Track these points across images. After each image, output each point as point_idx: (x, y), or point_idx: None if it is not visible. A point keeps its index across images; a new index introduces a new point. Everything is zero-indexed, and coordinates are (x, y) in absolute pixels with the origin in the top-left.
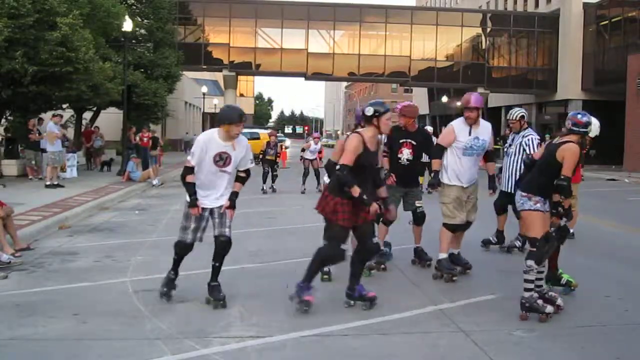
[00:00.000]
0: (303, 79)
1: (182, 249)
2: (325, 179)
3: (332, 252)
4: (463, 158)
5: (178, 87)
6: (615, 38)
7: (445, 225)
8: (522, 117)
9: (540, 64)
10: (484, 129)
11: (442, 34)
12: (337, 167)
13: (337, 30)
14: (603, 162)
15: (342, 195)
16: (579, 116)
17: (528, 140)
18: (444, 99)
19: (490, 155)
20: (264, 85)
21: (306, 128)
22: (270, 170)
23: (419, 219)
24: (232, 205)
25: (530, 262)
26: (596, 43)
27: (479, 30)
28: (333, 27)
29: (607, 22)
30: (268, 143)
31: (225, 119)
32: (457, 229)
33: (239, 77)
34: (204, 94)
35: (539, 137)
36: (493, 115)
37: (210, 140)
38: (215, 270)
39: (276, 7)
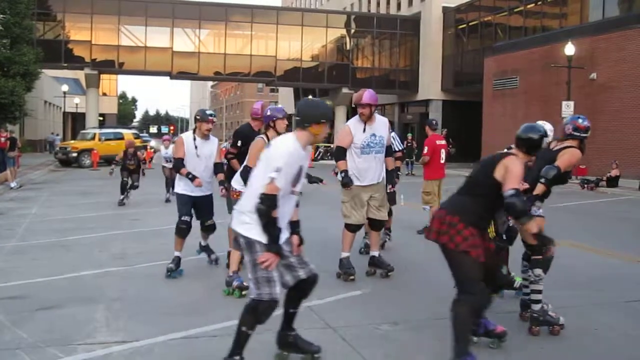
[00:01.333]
0: (168, 77)
1: (271, 309)
2: (237, 187)
3: (483, 299)
4: (361, 157)
5: (37, 86)
6: (472, 41)
7: (345, 224)
8: None
9: (403, 65)
10: (380, 124)
11: (307, 35)
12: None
13: (202, 29)
14: (462, 160)
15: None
16: (580, 120)
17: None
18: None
19: (388, 150)
20: (127, 84)
21: (172, 128)
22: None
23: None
24: (301, 240)
25: (539, 272)
26: (455, 45)
27: (344, 31)
28: (199, 26)
29: (465, 25)
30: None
31: (320, 117)
32: (357, 229)
33: (101, 75)
34: (64, 92)
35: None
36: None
37: (296, 151)
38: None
39: (140, 4)
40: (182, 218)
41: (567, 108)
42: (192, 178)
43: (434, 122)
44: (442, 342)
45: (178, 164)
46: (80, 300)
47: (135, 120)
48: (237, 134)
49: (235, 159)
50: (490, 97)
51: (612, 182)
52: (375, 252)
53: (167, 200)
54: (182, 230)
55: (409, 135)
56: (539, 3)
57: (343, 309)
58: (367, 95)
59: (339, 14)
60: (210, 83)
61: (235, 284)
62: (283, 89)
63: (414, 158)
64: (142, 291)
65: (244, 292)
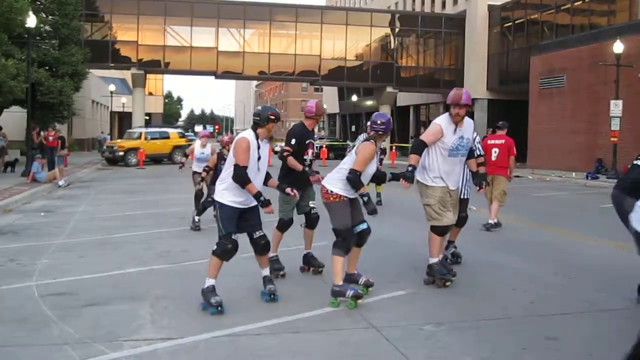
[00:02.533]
0: (213, 77)
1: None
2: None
3: None
4: (448, 159)
5: (85, 86)
6: (518, 39)
7: (433, 228)
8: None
9: (447, 64)
10: (468, 126)
11: (351, 34)
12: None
13: (247, 29)
14: None
15: None
16: None
17: None
18: (354, 97)
19: (470, 154)
20: (173, 84)
21: (217, 127)
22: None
23: (312, 221)
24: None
25: None
26: (501, 44)
27: (388, 30)
28: (243, 26)
29: (510, 23)
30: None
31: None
32: (446, 231)
33: (147, 75)
34: (111, 92)
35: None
36: (402, 114)
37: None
38: None
39: (186, 5)
40: (232, 236)
41: (615, 107)
42: (264, 202)
43: (499, 123)
44: (487, 344)
45: (243, 175)
46: (125, 298)
47: (180, 119)
48: (291, 134)
49: (292, 156)
50: (537, 96)
51: None
52: (438, 256)
53: (196, 228)
54: (229, 252)
55: None
56: (587, 1)
57: (387, 308)
58: (465, 95)
59: (383, 12)
60: (255, 82)
61: (350, 292)
62: (327, 89)
63: None
64: (187, 289)
65: (360, 301)
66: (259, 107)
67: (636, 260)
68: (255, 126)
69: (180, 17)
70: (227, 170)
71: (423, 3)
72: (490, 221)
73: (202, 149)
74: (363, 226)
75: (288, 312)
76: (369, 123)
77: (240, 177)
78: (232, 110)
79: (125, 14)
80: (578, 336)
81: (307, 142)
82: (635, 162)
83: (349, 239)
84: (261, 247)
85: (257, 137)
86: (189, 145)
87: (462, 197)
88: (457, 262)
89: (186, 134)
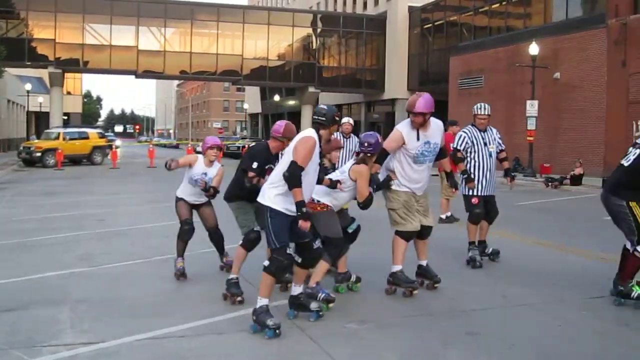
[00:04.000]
0: (133, 76)
1: None
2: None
3: None
4: (414, 166)
5: (0, 85)
6: (438, 40)
7: (398, 233)
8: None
9: (369, 64)
10: (435, 130)
11: (273, 34)
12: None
13: (168, 28)
14: None
15: None
16: None
17: None
18: (276, 97)
19: (442, 152)
20: (92, 83)
21: (137, 127)
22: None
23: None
24: None
25: None
26: (421, 45)
27: (310, 30)
28: (164, 25)
29: (430, 25)
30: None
31: None
32: (412, 236)
33: (65, 74)
34: (28, 91)
35: None
36: None
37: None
38: None
39: (105, 3)
40: (287, 250)
41: (532, 107)
42: (304, 214)
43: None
44: (409, 340)
45: (299, 175)
46: (44, 302)
47: (100, 119)
48: (252, 155)
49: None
50: (456, 96)
51: (576, 180)
52: (423, 262)
53: (181, 274)
54: (285, 269)
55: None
56: (504, 3)
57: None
58: (420, 103)
59: (305, 12)
60: (176, 82)
61: (322, 295)
62: (249, 88)
63: None
64: (108, 292)
65: (330, 305)
66: (323, 107)
67: (552, 255)
68: (318, 127)
69: (100, 15)
70: (277, 171)
71: (345, 4)
72: (442, 216)
73: (207, 167)
74: (354, 225)
75: (211, 313)
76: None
77: (296, 177)
78: (153, 110)
79: (42, 11)
80: (498, 330)
81: (266, 167)
82: (621, 161)
83: (341, 246)
84: (314, 258)
85: (319, 140)
86: (110, 145)
87: (488, 194)
88: (494, 260)
89: (106, 134)
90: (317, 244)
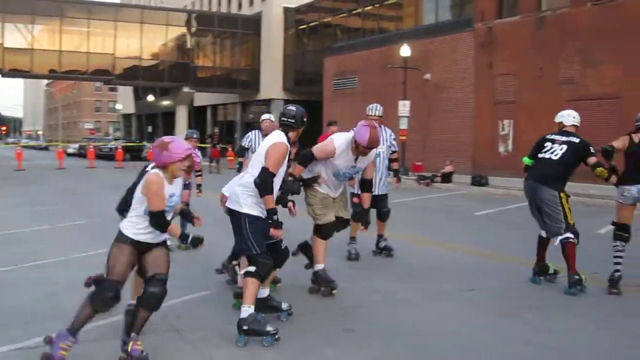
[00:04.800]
0: None
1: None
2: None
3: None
4: (333, 178)
5: None
6: (313, 41)
7: (317, 231)
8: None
9: (244, 64)
10: (369, 157)
11: (147, 33)
12: None
13: (36, 25)
14: None
15: None
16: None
17: None
18: (150, 97)
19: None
20: None
21: (3, 128)
22: None
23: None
24: None
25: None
26: (296, 45)
27: (184, 29)
28: (31, 21)
29: (305, 26)
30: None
31: None
32: (331, 232)
33: None
34: None
35: None
36: (199, 114)
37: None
38: None
39: None
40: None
41: (404, 107)
42: (275, 223)
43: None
44: (290, 339)
45: (270, 183)
46: None
47: None
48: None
49: None
50: (330, 96)
51: (447, 178)
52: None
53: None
54: (269, 271)
55: None
56: (376, 6)
57: (189, 310)
58: (374, 137)
59: (179, 12)
60: (45, 81)
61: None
62: (122, 88)
63: None
64: None
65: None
66: (292, 107)
67: (428, 251)
68: (287, 129)
69: None
70: (252, 175)
71: (219, 3)
72: None
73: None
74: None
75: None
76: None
77: (268, 184)
78: (20, 110)
79: None
80: (374, 326)
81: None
82: (544, 156)
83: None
84: (283, 258)
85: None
86: None
87: (379, 193)
88: (390, 255)
89: None
90: (284, 244)
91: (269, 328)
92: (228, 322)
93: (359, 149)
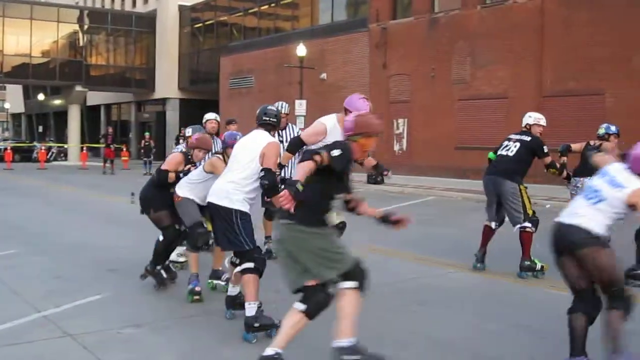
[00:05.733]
0: None
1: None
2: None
3: None
4: None
5: None
6: (208, 40)
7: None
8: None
9: (139, 63)
10: None
11: (37, 29)
12: None
13: None
14: None
15: None
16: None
17: None
18: (40, 96)
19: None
20: None
21: None
22: None
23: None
24: None
25: None
26: (191, 44)
27: (76, 26)
28: None
29: (201, 24)
30: None
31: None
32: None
33: None
34: None
35: None
36: (92, 114)
37: None
38: None
39: None
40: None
41: (300, 107)
42: None
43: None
44: (187, 341)
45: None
46: None
47: None
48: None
49: None
50: (227, 96)
51: None
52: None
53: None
54: (265, 266)
55: (147, 134)
56: (273, 5)
57: (82, 314)
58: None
59: (71, 8)
60: None
61: (190, 287)
62: (11, 87)
63: (152, 157)
64: None
65: (196, 297)
66: (273, 107)
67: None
68: (270, 128)
69: None
70: (244, 175)
71: (113, 1)
72: None
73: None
74: None
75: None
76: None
77: (276, 185)
78: None
79: None
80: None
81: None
82: (500, 152)
83: (195, 233)
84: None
85: None
86: None
87: None
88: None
89: None
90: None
91: (277, 320)
92: (126, 325)
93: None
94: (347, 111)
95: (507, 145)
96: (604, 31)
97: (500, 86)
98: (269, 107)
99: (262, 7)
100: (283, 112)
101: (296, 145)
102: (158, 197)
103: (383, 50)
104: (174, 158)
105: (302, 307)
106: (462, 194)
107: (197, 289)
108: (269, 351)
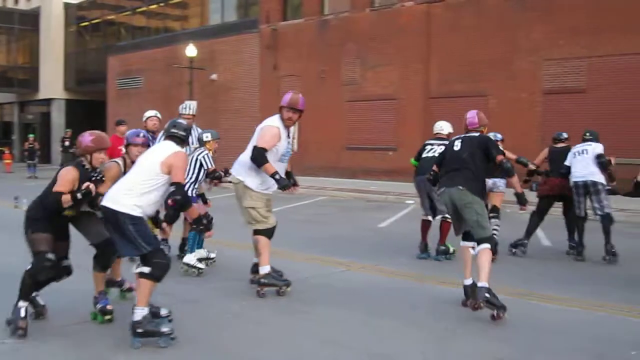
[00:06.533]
0: None
1: None
2: None
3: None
4: (277, 164)
5: None
6: (96, 39)
7: (260, 232)
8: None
9: (22, 62)
10: (291, 128)
11: None
12: None
13: None
14: None
15: None
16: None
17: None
18: None
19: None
20: None
21: None
22: None
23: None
24: None
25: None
26: (77, 43)
27: None
28: None
29: (87, 23)
30: None
31: None
32: (273, 233)
33: None
34: None
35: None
36: None
37: None
38: None
39: None
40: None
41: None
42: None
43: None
44: (77, 351)
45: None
46: None
47: None
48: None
49: None
50: (115, 96)
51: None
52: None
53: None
54: (167, 270)
55: (31, 137)
56: (162, 4)
57: None
58: (302, 100)
59: None
60: None
61: (99, 306)
62: None
63: (37, 160)
64: None
65: (107, 317)
66: (181, 121)
67: (229, 252)
68: (178, 141)
69: None
70: (139, 180)
71: None
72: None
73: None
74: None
75: None
76: None
77: (188, 200)
78: None
79: None
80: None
81: None
82: (426, 155)
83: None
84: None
85: None
86: None
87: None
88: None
89: None
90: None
91: (165, 329)
92: (7, 337)
93: (283, 116)
94: (281, 109)
95: (431, 149)
96: (487, 35)
97: (389, 87)
98: (179, 121)
99: (151, 7)
100: (190, 112)
101: (264, 155)
102: (44, 219)
103: (273, 51)
104: (66, 175)
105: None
106: (352, 194)
107: (109, 307)
108: None
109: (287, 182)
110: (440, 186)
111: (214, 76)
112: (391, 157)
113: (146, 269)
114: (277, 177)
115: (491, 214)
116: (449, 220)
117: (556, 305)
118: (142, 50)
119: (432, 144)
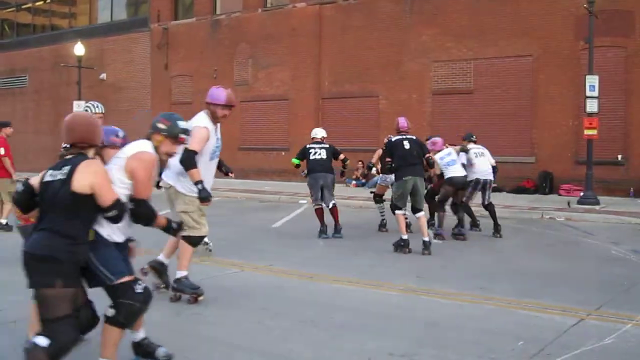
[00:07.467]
0: None
1: None
2: None
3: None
4: (210, 163)
5: None
6: None
7: (187, 239)
8: None
9: None
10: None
11: None
12: None
13: None
14: None
15: None
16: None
17: None
18: None
19: None
20: None
21: None
22: None
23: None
24: None
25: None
26: None
27: None
28: None
29: None
30: None
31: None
32: (199, 242)
33: None
34: None
35: None
36: None
37: None
38: None
39: None
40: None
41: (78, 107)
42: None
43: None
44: None
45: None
46: None
47: None
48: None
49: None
50: None
51: None
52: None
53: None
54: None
55: None
56: (48, 1)
57: None
58: (233, 96)
59: None
60: None
61: None
62: None
63: None
64: None
65: None
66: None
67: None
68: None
69: None
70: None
71: None
72: (2, 220)
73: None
74: None
75: None
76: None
77: (153, 213)
78: None
79: None
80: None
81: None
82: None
83: None
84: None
85: None
86: None
87: None
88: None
89: None
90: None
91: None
92: None
93: (218, 114)
94: (209, 105)
95: (316, 152)
96: (376, 37)
97: (281, 88)
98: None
99: (37, 3)
100: (98, 111)
101: (193, 158)
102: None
103: (165, 50)
104: None
105: None
106: (245, 194)
107: None
108: None
109: (208, 195)
110: (404, 174)
111: (103, 76)
112: (284, 157)
113: (110, 312)
114: (199, 186)
115: (377, 199)
116: (336, 207)
117: (448, 301)
118: (27, 48)
119: (314, 147)
